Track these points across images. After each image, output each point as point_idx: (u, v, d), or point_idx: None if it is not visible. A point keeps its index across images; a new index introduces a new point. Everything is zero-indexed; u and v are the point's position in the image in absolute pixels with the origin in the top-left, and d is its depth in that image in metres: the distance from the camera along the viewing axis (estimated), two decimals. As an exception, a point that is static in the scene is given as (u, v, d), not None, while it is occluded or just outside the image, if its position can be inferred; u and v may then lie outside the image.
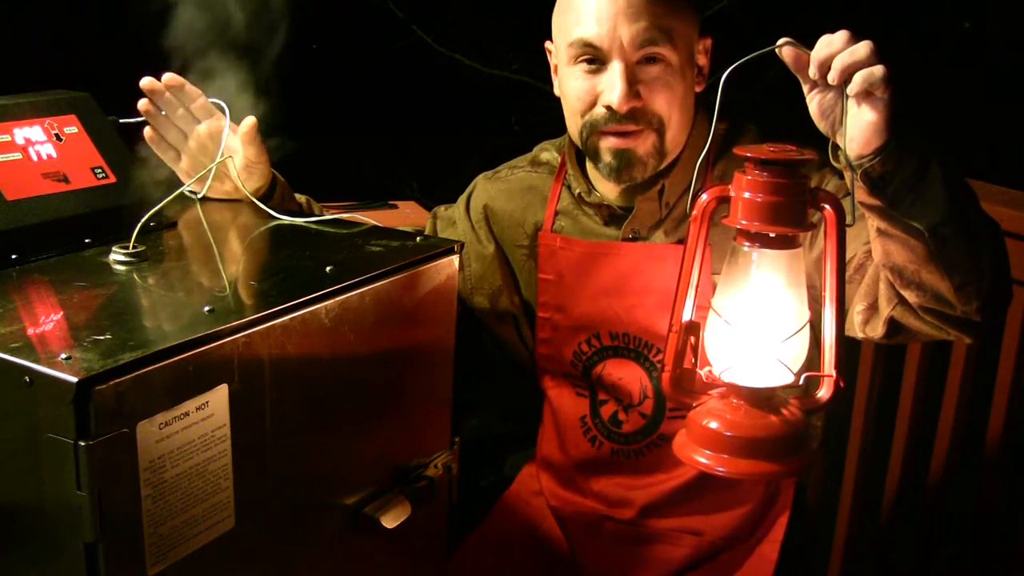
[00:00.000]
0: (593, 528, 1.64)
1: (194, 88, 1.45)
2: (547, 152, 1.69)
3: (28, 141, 1.24)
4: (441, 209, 1.79)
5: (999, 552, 1.78)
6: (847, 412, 1.96)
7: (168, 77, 1.43)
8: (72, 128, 1.30)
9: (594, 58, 1.44)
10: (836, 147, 1.15)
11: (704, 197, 1.13)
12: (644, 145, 1.47)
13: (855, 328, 1.36)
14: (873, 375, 1.92)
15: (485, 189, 1.71)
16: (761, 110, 1.61)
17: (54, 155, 1.26)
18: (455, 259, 1.27)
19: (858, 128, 1.11)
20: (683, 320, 1.15)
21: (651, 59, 1.43)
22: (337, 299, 1.10)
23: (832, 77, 1.08)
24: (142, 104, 1.43)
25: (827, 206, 1.11)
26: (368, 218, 1.37)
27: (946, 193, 1.14)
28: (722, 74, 1.08)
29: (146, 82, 1.42)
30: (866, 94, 1.08)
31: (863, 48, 1.07)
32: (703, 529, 1.58)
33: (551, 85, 1.58)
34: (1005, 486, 1.76)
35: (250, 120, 1.44)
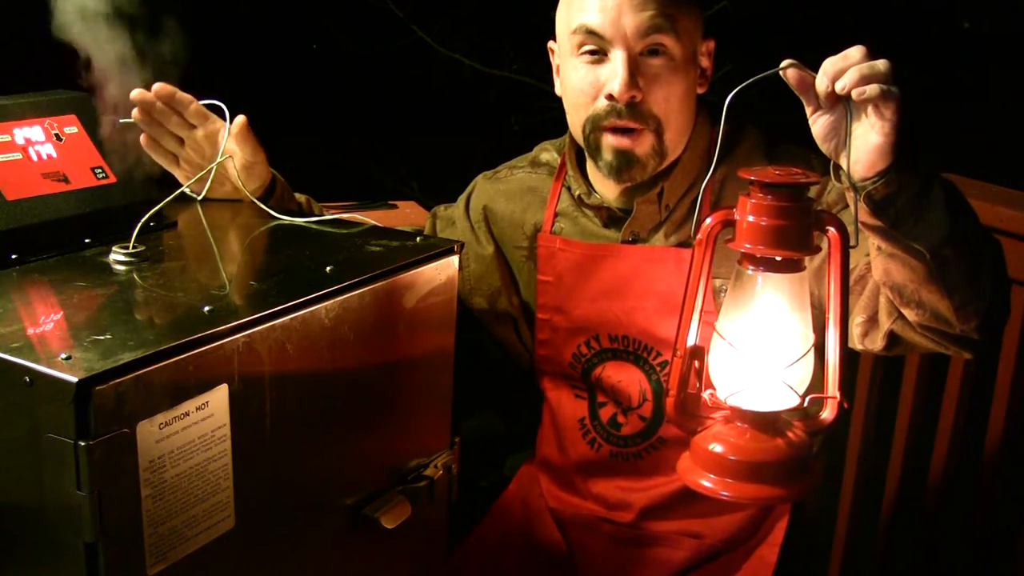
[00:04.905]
0: (592, 530, 1.64)
1: (185, 95, 1.43)
2: (547, 153, 1.69)
3: (28, 141, 1.24)
4: (441, 209, 1.79)
5: (999, 552, 1.78)
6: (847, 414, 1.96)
7: (158, 87, 1.41)
8: (72, 128, 1.30)
9: (597, 48, 1.44)
10: (837, 168, 1.15)
11: (708, 221, 1.11)
12: (643, 147, 1.47)
13: (853, 340, 1.35)
14: (873, 376, 1.92)
15: (485, 189, 1.71)
16: (759, 112, 1.60)
17: (54, 155, 1.26)
18: (455, 259, 1.27)
19: (863, 150, 1.10)
20: (688, 344, 1.14)
21: (654, 51, 1.42)
22: (337, 299, 1.10)
23: (844, 84, 1.06)
24: (134, 114, 1.42)
25: (832, 228, 1.09)
26: (368, 218, 1.37)
27: (948, 215, 1.13)
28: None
29: (136, 94, 1.40)
30: (875, 110, 1.08)
31: (883, 64, 1.06)
32: (702, 532, 1.58)
33: (552, 85, 1.58)
34: (1005, 487, 1.76)
35: (240, 119, 1.43)
